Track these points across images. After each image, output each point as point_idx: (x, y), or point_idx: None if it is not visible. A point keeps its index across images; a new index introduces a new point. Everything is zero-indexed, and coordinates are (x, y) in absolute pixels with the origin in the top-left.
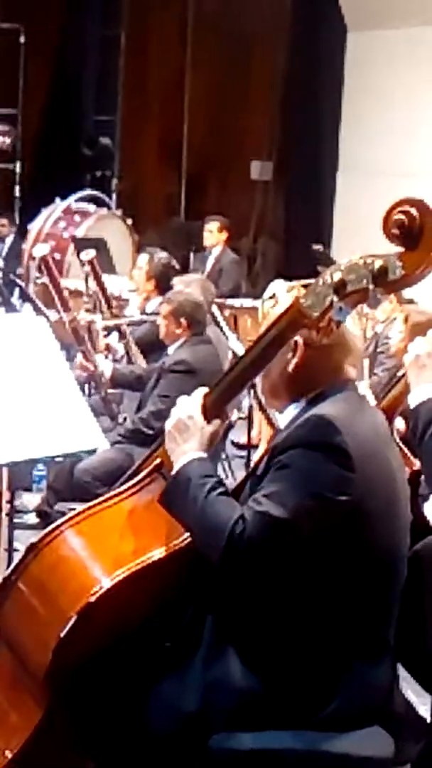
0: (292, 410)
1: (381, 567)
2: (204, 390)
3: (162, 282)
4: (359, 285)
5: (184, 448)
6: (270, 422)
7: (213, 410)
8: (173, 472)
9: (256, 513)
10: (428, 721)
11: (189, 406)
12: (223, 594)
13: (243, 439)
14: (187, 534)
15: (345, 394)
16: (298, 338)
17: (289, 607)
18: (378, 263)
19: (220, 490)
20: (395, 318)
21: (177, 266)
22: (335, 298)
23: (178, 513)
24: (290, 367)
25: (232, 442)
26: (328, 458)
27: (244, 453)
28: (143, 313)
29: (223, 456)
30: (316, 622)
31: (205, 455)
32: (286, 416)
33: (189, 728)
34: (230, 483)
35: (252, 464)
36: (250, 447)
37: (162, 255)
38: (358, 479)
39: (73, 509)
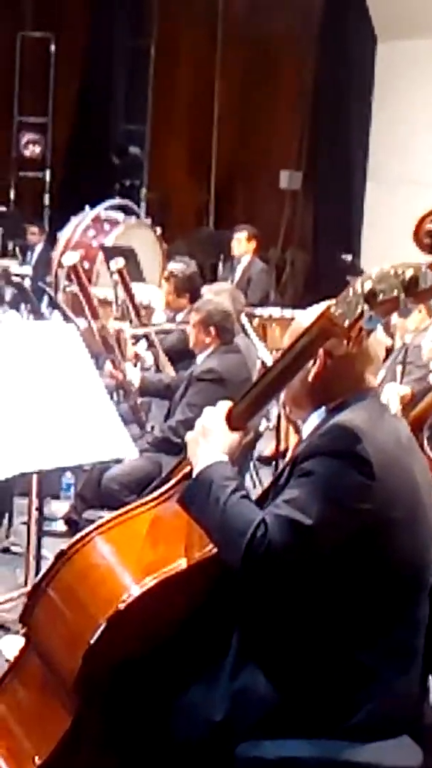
0: (314, 419)
1: (405, 575)
2: (229, 403)
3: (193, 292)
4: (390, 294)
5: (207, 451)
6: (297, 432)
7: (238, 421)
8: (194, 473)
9: (276, 517)
10: None
11: (214, 415)
12: (248, 602)
13: (267, 452)
14: None
15: (366, 402)
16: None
17: (314, 616)
18: (409, 272)
19: (242, 493)
20: (426, 327)
21: (197, 272)
22: (366, 308)
23: (198, 514)
24: (311, 377)
25: (258, 458)
26: (348, 466)
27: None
28: (172, 321)
29: (252, 466)
30: (341, 632)
31: (227, 458)
32: (308, 425)
33: (216, 737)
34: (257, 493)
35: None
36: (278, 457)
37: (179, 267)
38: (378, 487)
39: (101, 517)
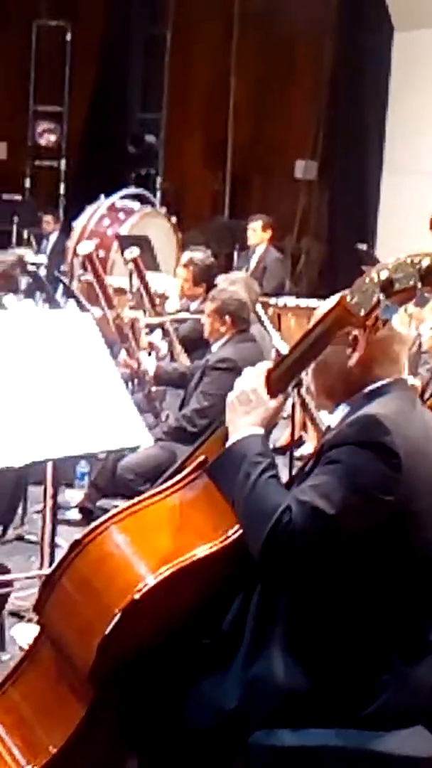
0: (343, 409)
1: (425, 567)
2: (268, 364)
3: (209, 282)
4: (407, 283)
5: (244, 421)
6: (313, 421)
7: (277, 385)
8: (228, 444)
9: (301, 503)
10: None
11: (254, 379)
12: (266, 591)
13: (282, 441)
14: (232, 531)
15: (397, 393)
16: (357, 333)
17: (331, 606)
18: (426, 262)
19: (272, 472)
20: None
21: (215, 262)
22: (382, 296)
23: (226, 485)
24: (352, 362)
25: (273, 448)
26: (375, 457)
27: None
28: (187, 310)
29: None
30: (359, 621)
31: (262, 432)
32: (336, 415)
33: (228, 725)
34: None
35: (299, 458)
36: (292, 447)
37: (199, 256)
38: (405, 479)
39: (116, 506)
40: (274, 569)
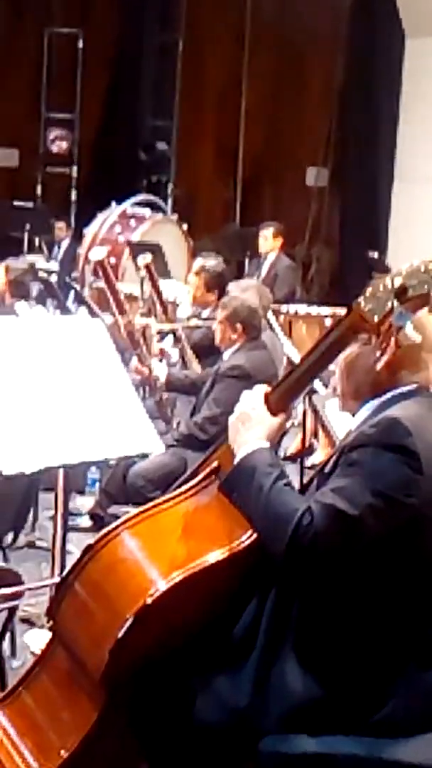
0: (365, 412)
1: None
2: (265, 387)
3: (221, 289)
4: (421, 290)
5: (248, 437)
6: (324, 429)
7: (278, 404)
8: (236, 460)
9: (323, 506)
10: None
11: (252, 400)
12: (280, 595)
13: (292, 449)
14: (244, 537)
15: (419, 398)
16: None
17: (346, 610)
18: None
19: (286, 480)
20: None
21: (227, 269)
22: (396, 303)
23: (240, 501)
24: (379, 365)
25: (283, 457)
26: (397, 459)
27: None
28: (198, 317)
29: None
30: (373, 626)
31: (268, 444)
32: (357, 418)
33: (240, 724)
34: None
35: (309, 467)
36: (303, 454)
37: (211, 263)
38: (426, 482)
39: (126, 513)
40: (297, 572)
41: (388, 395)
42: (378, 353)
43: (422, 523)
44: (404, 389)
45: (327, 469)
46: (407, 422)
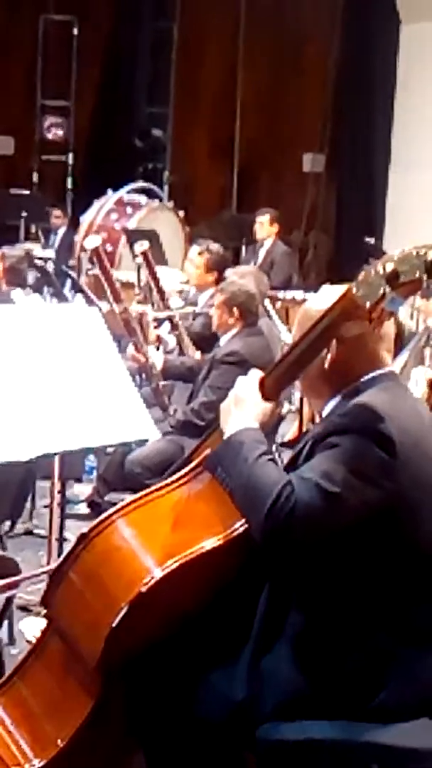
0: (332, 404)
1: (428, 557)
2: (260, 372)
3: (220, 273)
4: (413, 276)
5: (239, 417)
6: (320, 414)
7: (270, 391)
8: (225, 437)
9: (303, 479)
10: None
11: (247, 384)
12: (274, 583)
13: (289, 435)
14: (239, 524)
15: (385, 384)
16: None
17: (335, 597)
18: (431, 254)
19: (271, 456)
20: None
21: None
22: (388, 289)
23: (224, 474)
24: (327, 364)
25: (281, 443)
26: (372, 444)
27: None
28: (194, 304)
29: (273, 449)
30: (362, 613)
31: (257, 425)
32: (325, 412)
33: (238, 716)
34: None
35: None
36: (300, 440)
37: (215, 246)
38: (402, 466)
39: (123, 500)
40: (276, 548)
41: (351, 387)
42: (324, 351)
43: (404, 507)
44: (368, 377)
45: (300, 460)
46: (377, 408)
